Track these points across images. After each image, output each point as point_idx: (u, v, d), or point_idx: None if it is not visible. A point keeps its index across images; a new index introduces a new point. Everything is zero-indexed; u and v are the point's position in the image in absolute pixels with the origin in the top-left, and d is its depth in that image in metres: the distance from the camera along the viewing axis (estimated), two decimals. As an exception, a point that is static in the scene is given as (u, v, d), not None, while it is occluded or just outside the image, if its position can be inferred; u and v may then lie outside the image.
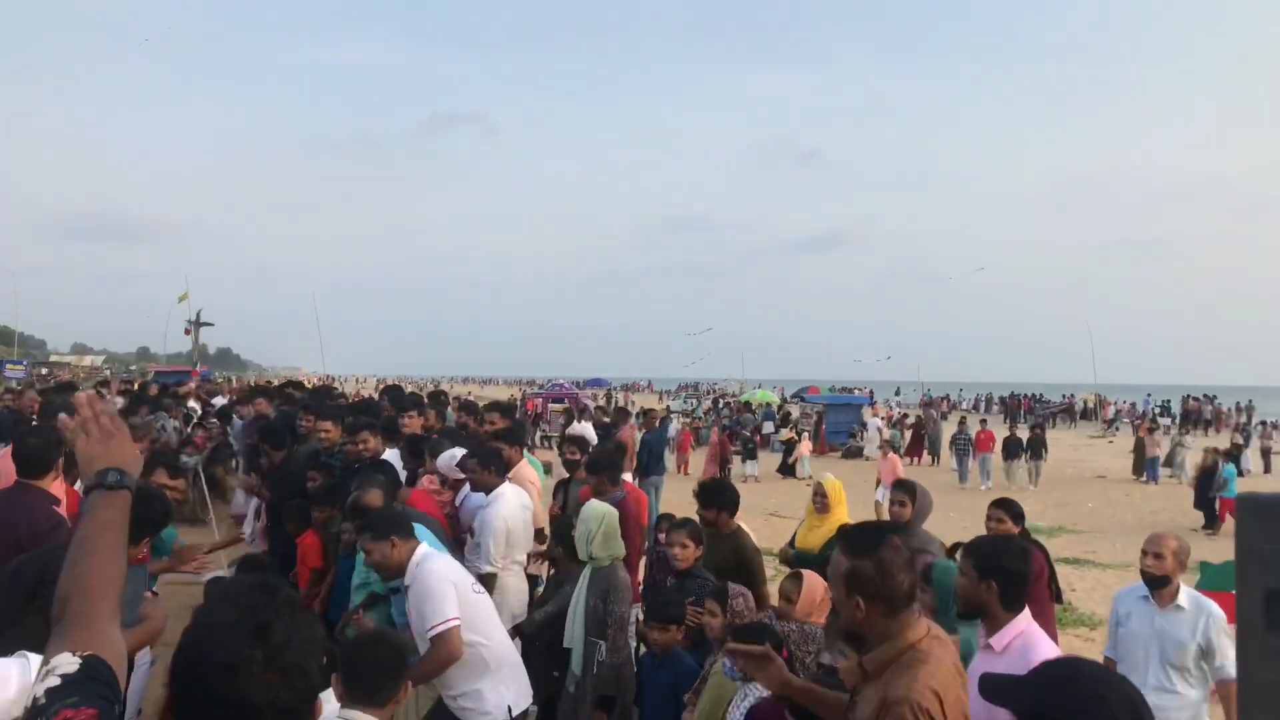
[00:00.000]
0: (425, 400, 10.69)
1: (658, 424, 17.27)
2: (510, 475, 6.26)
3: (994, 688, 2.19)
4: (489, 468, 5.92)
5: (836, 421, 34.27)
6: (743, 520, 6.05)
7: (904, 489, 5.81)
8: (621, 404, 38.09)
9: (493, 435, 7.25)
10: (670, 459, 25.51)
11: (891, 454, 18.74)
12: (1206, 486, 18.17)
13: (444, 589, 4.26)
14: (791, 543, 6.71)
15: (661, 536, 6.49)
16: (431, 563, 4.38)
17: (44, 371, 46.67)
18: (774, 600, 5.20)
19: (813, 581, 4.60)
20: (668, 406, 50.51)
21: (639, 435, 15.40)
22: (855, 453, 31.07)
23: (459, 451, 6.44)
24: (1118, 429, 44.66)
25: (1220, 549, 14.19)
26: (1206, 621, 4.63)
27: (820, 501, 6.52)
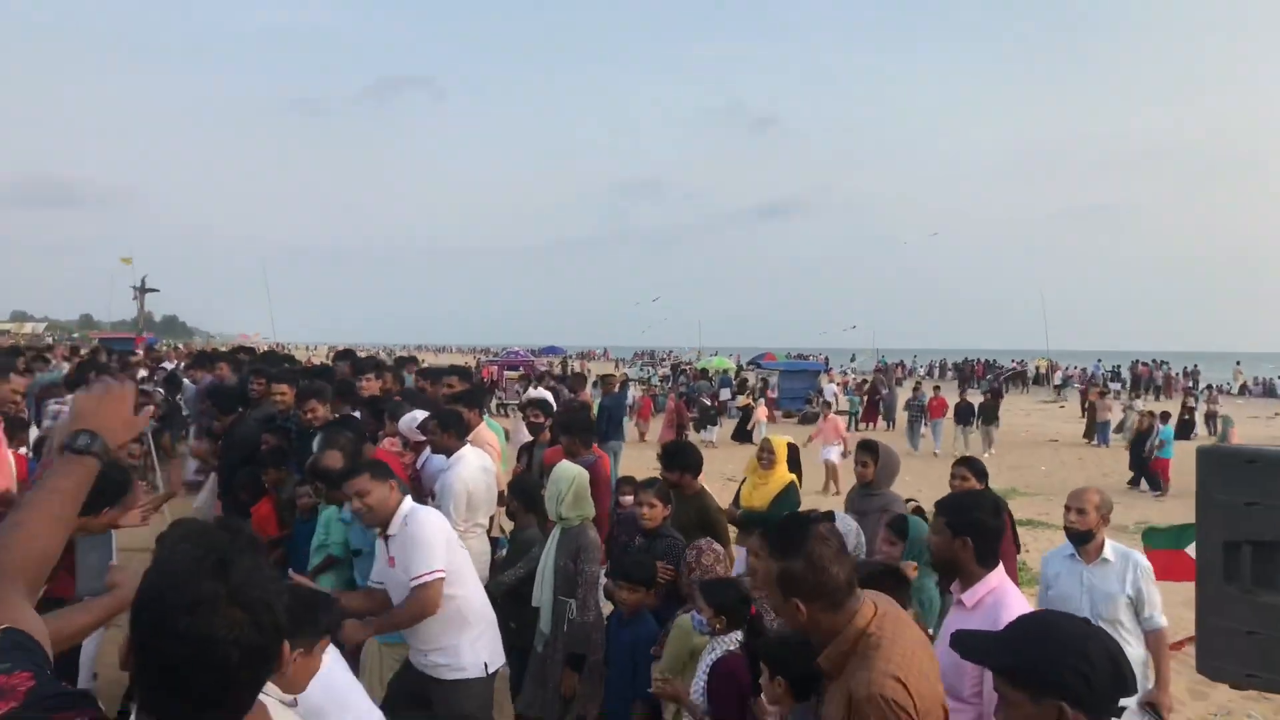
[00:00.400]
0: (384, 364, 10.57)
1: (616, 389, 17.20)
2: (470, 438, 6.20)
3: (968, 644, 2.17)
4: (449, 430, 5.86)
5: (792, 388, 34.58)
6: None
7: (866, 449, 5.81)
8: (579, 371, 38.06)
9: (451, 398, 7.17)
10: (630, 426, 25.53)
11: (832, 414, 18.99)
12: (1140, 447, 18.62)
13: (436, 539, 4.26)
14: (736, 502, 6.72)
15: (625, 499, 6.49)
16: (423, 513, 4.38)
17: (11, 342, 45.57)
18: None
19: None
20: (625, 374, 50.59)
21: (597, 401, 15.34)
22: (812, 418, 31.26)
23: (420, 414, 6.38)
24: (1066, 395, 45.40)
25: (1168, 511, 14.54)
26: (1135, 572, 4.68)
27: (767, 458, 6.56)
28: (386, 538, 4.37)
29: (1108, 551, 4.74)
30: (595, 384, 23.56)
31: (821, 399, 30.70)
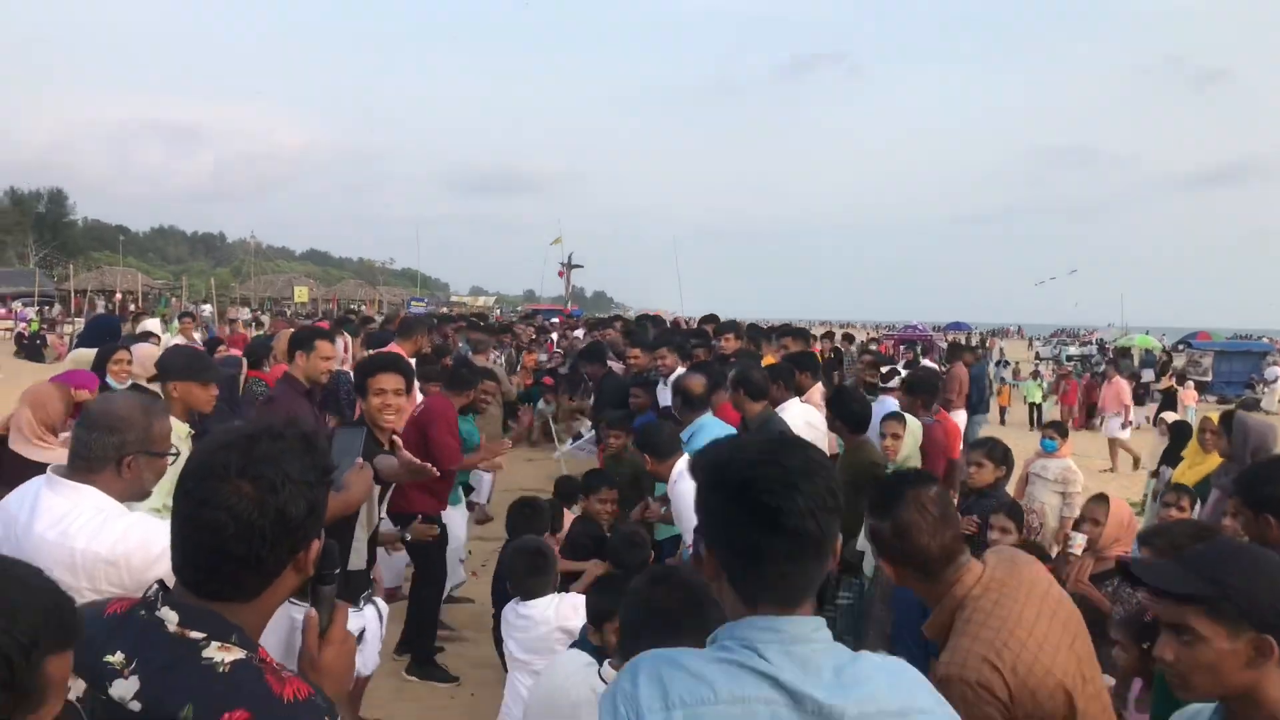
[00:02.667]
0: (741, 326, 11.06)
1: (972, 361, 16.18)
2: (804, 398, 6.42)
3: (1149, 572, 1.93)
4: (777, 381, 6.12)
5: (1229, 371, 30.80)
6: (1102, 470, 5.87)
7: (1222, 421, 5.31)
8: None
9: (786, 358, 7.38)
10: (1055, 410, 23.86)
11: (1118, 378, 16.45)
12: None
13: (690, 511, 4.38)
14: (1167, 483, 6.41)
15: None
16: (684, 483, 4.50)
17: (445, 310, 52.38)
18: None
19: (1122, 505, 4.40)
20: (1036, 354, 47.62)
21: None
22: (1251, 405, 27.65)
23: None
24: None
25: None
26: None
27: (1208, 439, 6.05)
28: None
29: None
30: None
31: (1274, 387, 27.15)
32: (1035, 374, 27.08)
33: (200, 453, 1.55)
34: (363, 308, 53.92)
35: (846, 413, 5.69)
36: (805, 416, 6.03)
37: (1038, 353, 48.93)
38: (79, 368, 5.86)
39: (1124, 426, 15.35)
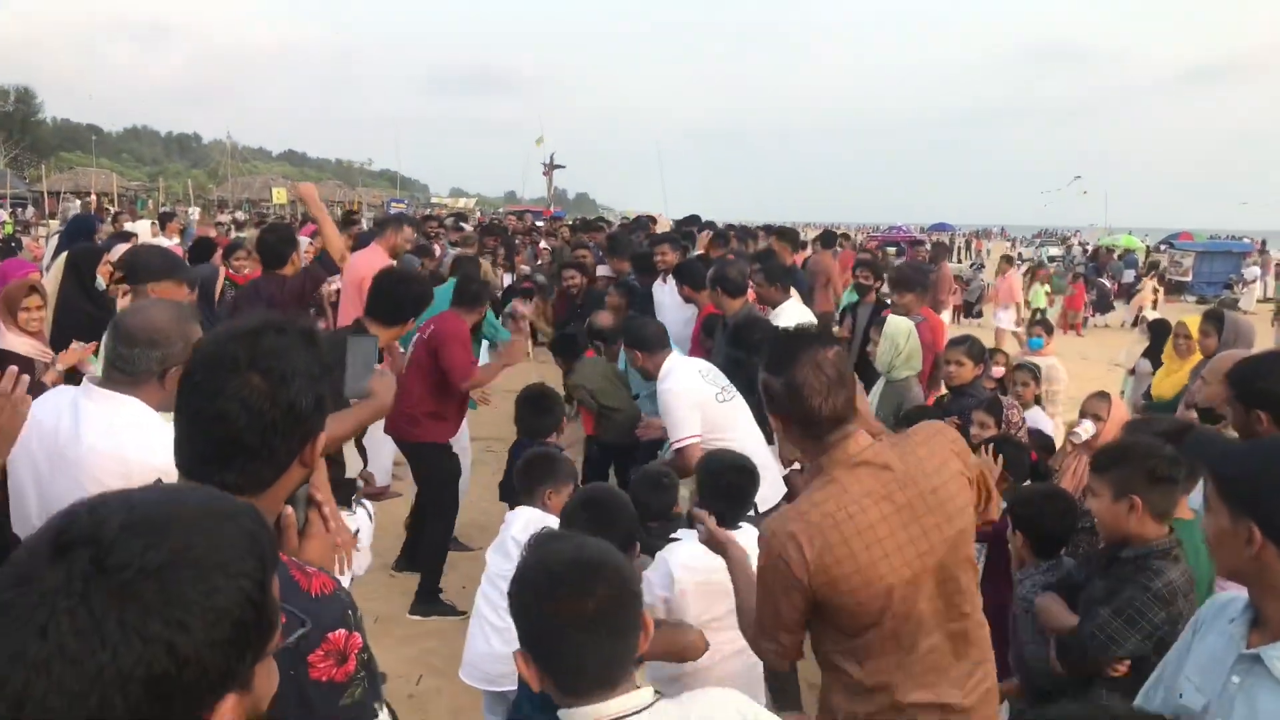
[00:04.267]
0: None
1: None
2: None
3: (1202, 444, 2.00)
4: (775, 284, 6.18)
5: (1210, 271, 31.07)
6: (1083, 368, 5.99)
7: (1211, 318, 5.38)
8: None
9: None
10: (1052, 314, 23.82)
11: (1010, 272, 16.37)
12: None
13: (680, 411, 4.44)
14: (1147, 394, 6.45)
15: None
16: (669, 381, 4.56)
17: (427, 211, 51.86)
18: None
19: (1120, 403, 4.43)
20: (1019, 254, 47.64)
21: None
22: (1230, 305, 27.92)
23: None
24: None
25: None
26: None
27: (1184, 344, 6.04)
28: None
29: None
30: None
31: (1252, 287, 27.42)
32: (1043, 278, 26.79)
33: (206, 346, 1.56)
34: (339, 209, 53.47)
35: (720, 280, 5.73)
36: (802, 317, 6.11)
37: (1020, 254, 48.90)
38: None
39: (1018, 323, 15.45)
